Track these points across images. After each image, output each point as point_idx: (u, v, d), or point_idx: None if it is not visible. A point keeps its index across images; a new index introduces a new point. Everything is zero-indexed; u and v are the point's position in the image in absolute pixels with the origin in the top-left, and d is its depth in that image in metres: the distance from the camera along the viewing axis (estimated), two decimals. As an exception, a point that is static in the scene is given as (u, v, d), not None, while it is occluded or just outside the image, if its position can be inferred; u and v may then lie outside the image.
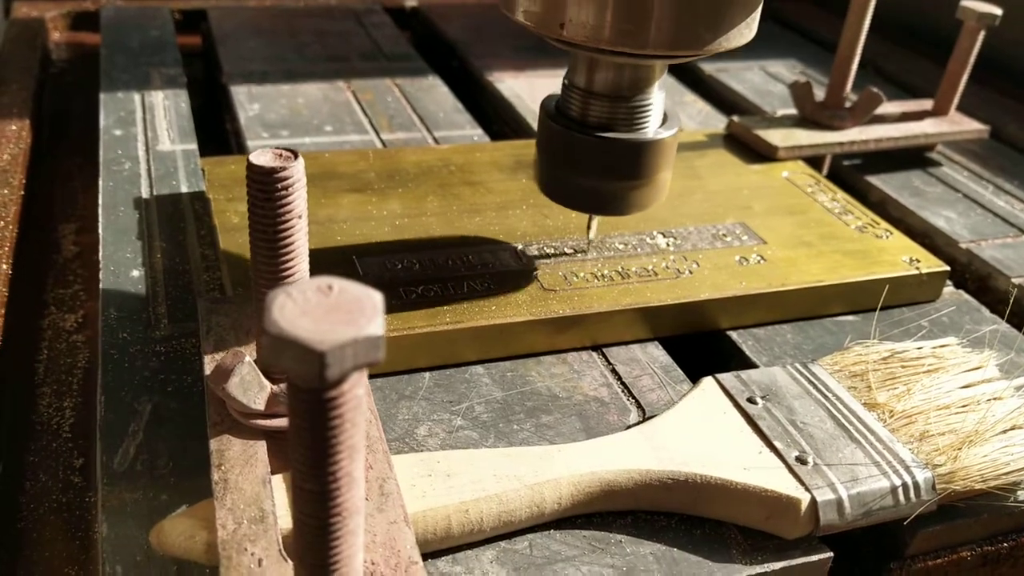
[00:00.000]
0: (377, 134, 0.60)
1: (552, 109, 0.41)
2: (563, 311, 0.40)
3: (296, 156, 0.29)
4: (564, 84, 0.41)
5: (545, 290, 0.42)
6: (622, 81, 0.39)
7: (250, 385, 0.30)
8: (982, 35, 0.59)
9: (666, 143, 0.40)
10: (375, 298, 0.21)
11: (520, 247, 0.45)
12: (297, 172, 0.28)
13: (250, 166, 0.28)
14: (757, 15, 0.38)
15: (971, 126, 0.62)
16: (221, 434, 0.31)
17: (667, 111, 0.41)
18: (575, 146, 0.40)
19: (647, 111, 0.40)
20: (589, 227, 0.45)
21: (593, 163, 0.40)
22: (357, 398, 0.21)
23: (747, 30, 0.37)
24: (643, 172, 0.40)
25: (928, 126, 0.61)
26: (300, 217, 0.29)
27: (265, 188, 0.28)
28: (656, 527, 0.33)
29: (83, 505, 0.37)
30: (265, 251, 0.29)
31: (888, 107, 0.62)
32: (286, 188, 0.28)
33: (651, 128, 0.40)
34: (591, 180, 0.40)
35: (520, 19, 0.37)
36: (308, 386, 0.21)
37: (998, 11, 0.58)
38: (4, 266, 0.46)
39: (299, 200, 0.29)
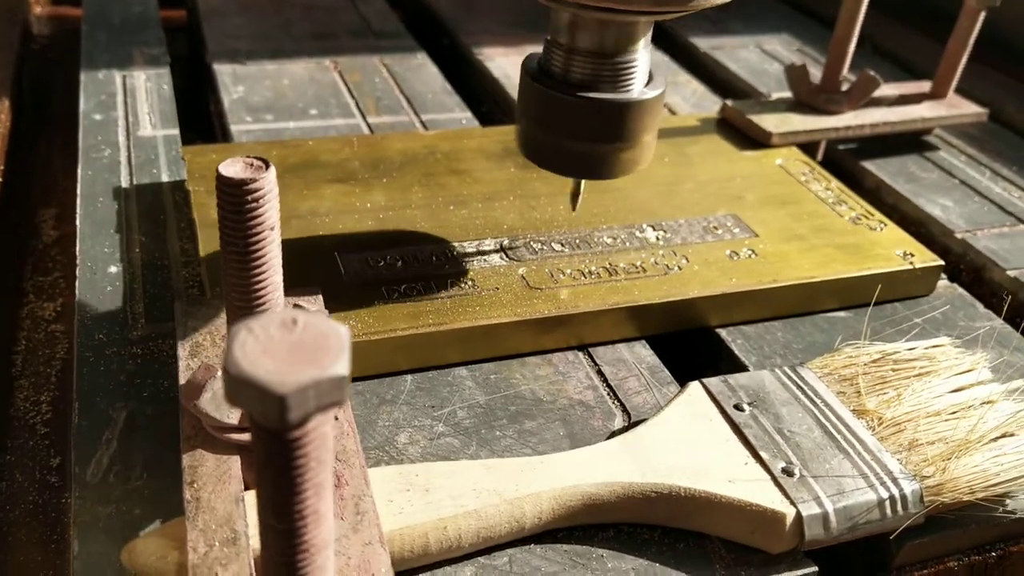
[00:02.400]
0: (363, 117, 0.59)
1: (534, 68, 0.39)
2: (548, 311, 0.40)
3: (267, 166, 0.28)
4: (546, 41, 0.39)
5: (530, 288, 0.41)
6: (606, 39, 0.37)
7: (223, 400, 0.30)
8: (982, 16, 0.58)
9: (651, 103, 0.38)
10: (341, 334, 0.20)
11: (506, 241, 0.44)
12: (268, 183, 0.27)
13: (219, 177, 0.27)
14: None
15: (970, 109, 0.61)
16: (194, 448, 0.30)
17: (652, 71, 0.40)
18: (557, 106, 0.38)
19: (632, 70, 0.38)
20: (574, 194, 0.43)
21: (575, 124, 0.38)
22: (323, 436, 0.21)
23: None
24: (628, 134, 0.38)
25: (925, 110, 0.60)
26: (272, 229, 0.28)
27: (235, 200, 0.27)
28: (638, 541, 0.32)
29: (59, 507, 0.36)
30: (237, 263, 0.28)
31: (885, 89, 0.60)
32: (257, 200, 0.27)
33: (636, 88, 0.39)
34: (573, 142, 0.39)
35: None
36: (270, 427, 0.20)
37: (1000, -8, 0.56)
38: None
39: (271, 212, 0.28)
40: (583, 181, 0.42)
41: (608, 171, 0.39)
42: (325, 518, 0.22)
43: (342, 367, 0.19)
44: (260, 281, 0.29)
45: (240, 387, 0.19)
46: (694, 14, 0.36)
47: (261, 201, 0.27)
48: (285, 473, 0.21)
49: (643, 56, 0.38)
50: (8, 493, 0.37)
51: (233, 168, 0.27)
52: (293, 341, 0.20)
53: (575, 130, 0.38)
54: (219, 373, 0.30)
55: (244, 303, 0.29)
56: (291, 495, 0.21)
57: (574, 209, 0.43)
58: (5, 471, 0.38)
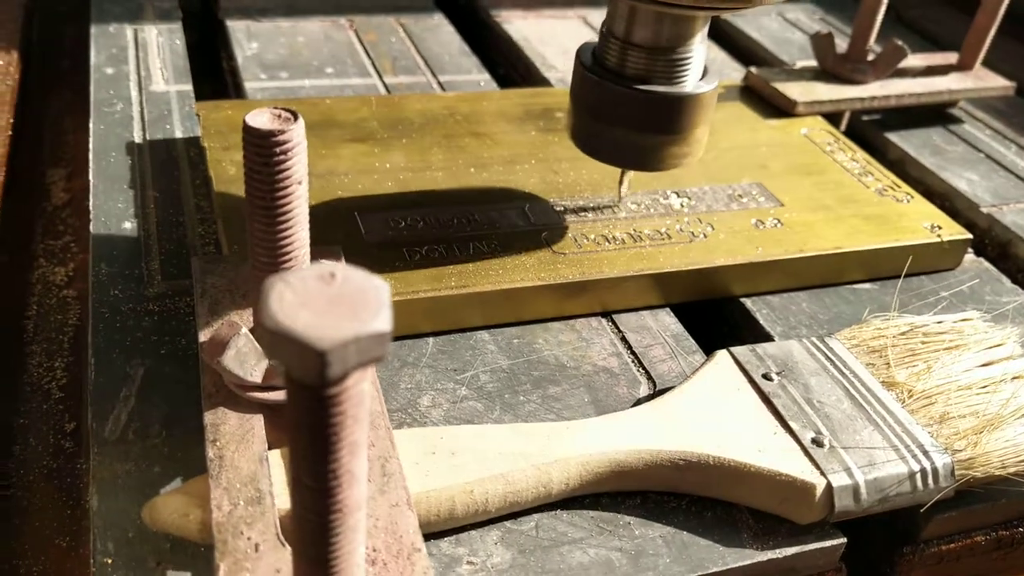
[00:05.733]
0: (380, 77, 0.58)
1: (588, 58, 0.39)
2: (572, 276, 0.39)
3: (296, 117, 0.27)
4: (602, 32, 0.39)
5: (554, 253, 0.40)
6: (662, 32, 0.37)
7: (247, 357, 0.29)
8: (1014, -13, 0.57)
9: (705, 98, 0.38)
10: (381, 289, 0.19)
11: (528, 205, 0.43)
12: (297, 135, 0.27)
13: (246, 128, 0.26)
14: None
15: (996, 82, 0.60)
16: (216, 406, 0.30)
17: (707, 65, 0.39)
18: (610, 97, 0.38)
19: (687, 64, 0.38)
20: (621, 182, 0.43)
21: (628, 116, 0.38)
22: (360, 394, 0.20)
23: None
24: (680, 127, 0.38)
25: (952, 82, 0.59)
26: (300, 183, 0.27)
27: (262, 152, 0.26)
28: (666, 509, 0.31)
29: (74, 472, 0.36)
30: (263, 218, 0.28)
31: (911, 60, 0.59)
32: (285, 152, 0.26)
33: (690, 82, 0.38)
34: (625, 133, 0.39)
35: None
36: (308, 383, 0.19)
37: (1033, -38, 0.55)
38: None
39: (299, 165, 0.27)
40: (630, 172, 0.42)
41: (658, 163, 0.39)
42: (359, 479, 0.21)
43: (384, 322, 0.18)
44: (286, 236, 0.28)
45: (278, 341, 0.18)
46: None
47: (289, 154, 0.27)
48: (321, 431, 0.20)
49: (699, 50, 0.38)
50: (22, 458, 0.36)
51: (260, 119, 0.27)
52: (332, 295, 0.19)
53: (627, 121, 0.38)
54: (243, 330, 0.29)
55: (269, 258, 0.28)
56: (326, 454, 0.20)
57: (620, 197, 0.43)
58: (19, 435, 0.37)
